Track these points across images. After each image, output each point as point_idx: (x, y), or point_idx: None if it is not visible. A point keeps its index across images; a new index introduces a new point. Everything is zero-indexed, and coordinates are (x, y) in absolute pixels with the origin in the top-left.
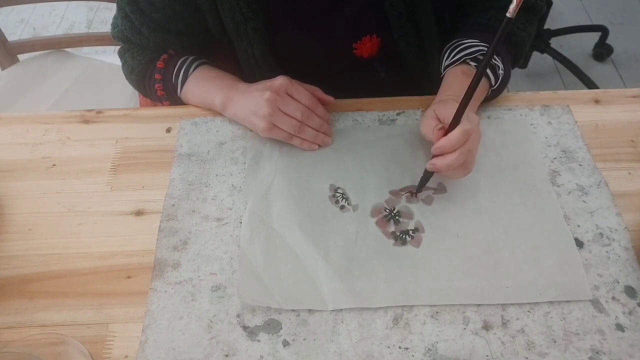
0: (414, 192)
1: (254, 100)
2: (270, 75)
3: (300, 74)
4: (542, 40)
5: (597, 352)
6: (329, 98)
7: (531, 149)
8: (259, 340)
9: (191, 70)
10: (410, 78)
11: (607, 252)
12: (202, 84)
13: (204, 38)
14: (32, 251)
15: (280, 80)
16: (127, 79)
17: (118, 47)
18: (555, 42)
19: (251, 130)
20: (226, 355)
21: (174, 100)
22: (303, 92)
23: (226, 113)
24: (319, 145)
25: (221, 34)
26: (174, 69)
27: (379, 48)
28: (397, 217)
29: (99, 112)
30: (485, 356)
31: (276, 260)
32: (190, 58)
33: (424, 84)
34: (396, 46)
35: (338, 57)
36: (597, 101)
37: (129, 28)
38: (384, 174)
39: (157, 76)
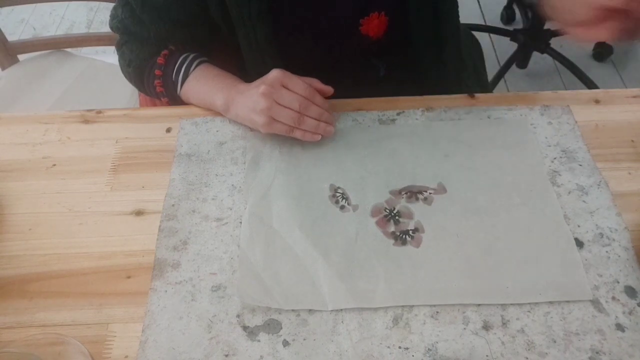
0: (415, 192)
1: (251, 97)
2: (273, 62)
3: (303, 61)
4: (542, 40)
5: (597, 352)
6: (327, 88)
7: (531, 149)
8: (259, 340)
9: (192, 68)
10: (410, 76)
11: (607, 252)
12: (203, 83)
13: (204, 30)
14: (32, 251)
15: (274, 73)
16: (123, 71)
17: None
18: (555, 42)
19: (251, 130)
20: (226, 355)
21: (173, 97)
22: (299, 83)
23: (228, 114)
24: (322, 136)
25: (223, 20)
26: (175, 66)
27: (386, 29)
28: (397, 217)
29: (99, 112)
30: (485, 356)
31: (276, 260)
32: (192, 56)
33: (431, 75)
34: (405, 29)
35: (343, 34)
36: (597, 101)
37: (129, 16)
38: (384, 174)
39: (157, 72)
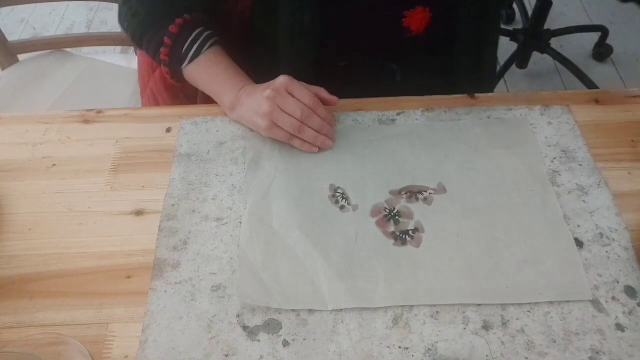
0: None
1: (256, 100)
2: (309, 49)
3: (339, 50)
4: (542, 40)
5: (597, 352)
6: (333, 98)
7: (531, 149)
8: (259, 340)
9: (205, 48)
10: (426, 82)
11: (607, 252)
12: (213, 73)
13: (228, 7)
14: (32, 251)
15: (281, 79)
16: (122, 19)
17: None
18: (555, 42)
19: (251, 131)
20: (226, 355)
21: (175, 70)
22: (304, 91)
23: (232, 114)
24: (319, 149)
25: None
26: (187, 40)
27: (428, 24)
28: (397, 217)
29: (99, 112)
30: (485, 356)
31: (276, 260)
32: (206, 34)
33: (462, 76)
34: (447, 26)
35: (386, 25)
36: (597, 101)
37: None
38: (384, 174)
39: (166, 40)
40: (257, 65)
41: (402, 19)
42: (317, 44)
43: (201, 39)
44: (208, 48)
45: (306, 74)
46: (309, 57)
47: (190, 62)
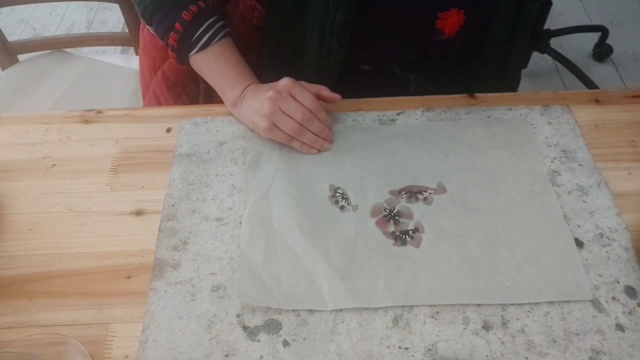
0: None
1: (258, 101)
2: (338, 48)
3: (366, 52)
4: (542, 40)
5: (597, 352)
6: (335, 96)
7: (531, 149)
8: (259, 340)
9: (216, 39)
10: (438, 92)
11: (607, 252)
12: (220, 65)
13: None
14: (32, 251)
15: (284, 81)
16: None
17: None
18: (555, 42)
19: (251, 131)
20: (226, 355)
21: (182, 56)
22: (306, 94)
23: (233, 111)
24: (318, 150)
25: None
26: (199, 29)
27: (460, 28)
28: (397, 217)
29: (99, 112)
30: (485, 356)
31: (276, 260)
32: (219, 24)
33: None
34: (480, 29)
35: (419, 26)
36: (597, 101)
37: None
38: (383, 174)
39: (177, 26)
40: (275, 66)
41: (435, 21)
42: (346, 44)
43: (213, 29)
44: (219, 40)
45: (330, 76)
46: (337, 58)
47: (198, 51)
